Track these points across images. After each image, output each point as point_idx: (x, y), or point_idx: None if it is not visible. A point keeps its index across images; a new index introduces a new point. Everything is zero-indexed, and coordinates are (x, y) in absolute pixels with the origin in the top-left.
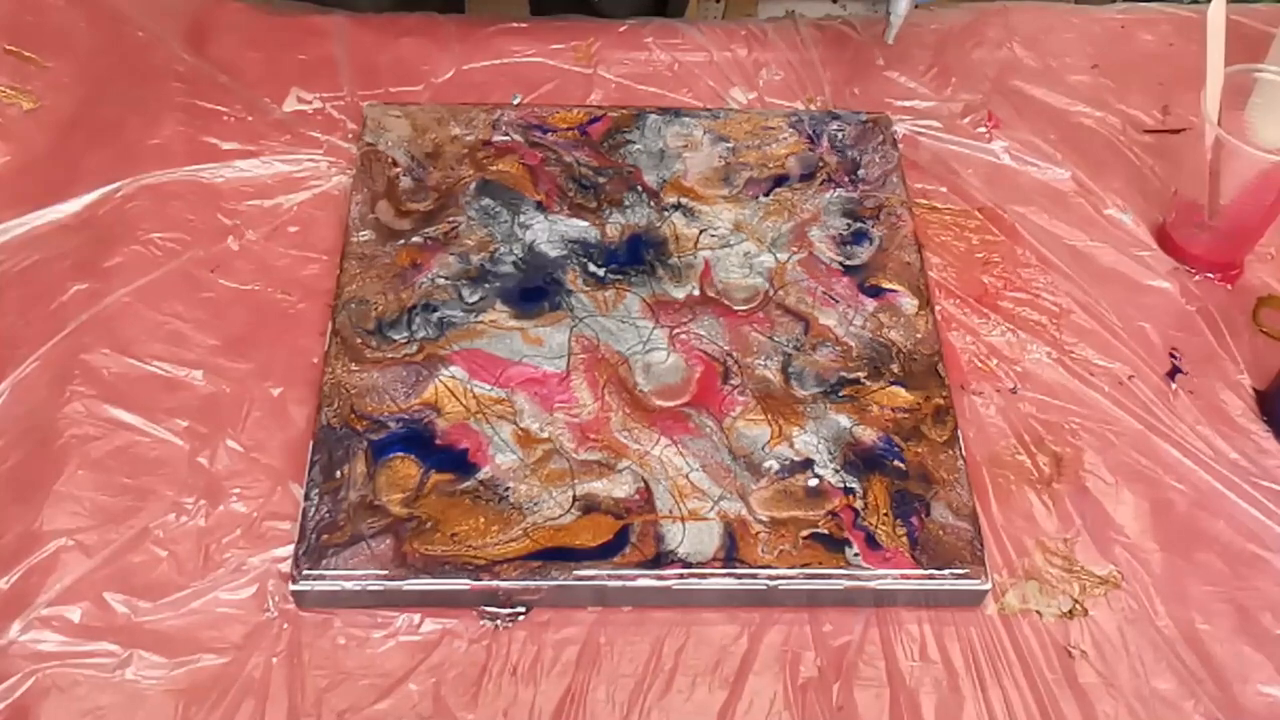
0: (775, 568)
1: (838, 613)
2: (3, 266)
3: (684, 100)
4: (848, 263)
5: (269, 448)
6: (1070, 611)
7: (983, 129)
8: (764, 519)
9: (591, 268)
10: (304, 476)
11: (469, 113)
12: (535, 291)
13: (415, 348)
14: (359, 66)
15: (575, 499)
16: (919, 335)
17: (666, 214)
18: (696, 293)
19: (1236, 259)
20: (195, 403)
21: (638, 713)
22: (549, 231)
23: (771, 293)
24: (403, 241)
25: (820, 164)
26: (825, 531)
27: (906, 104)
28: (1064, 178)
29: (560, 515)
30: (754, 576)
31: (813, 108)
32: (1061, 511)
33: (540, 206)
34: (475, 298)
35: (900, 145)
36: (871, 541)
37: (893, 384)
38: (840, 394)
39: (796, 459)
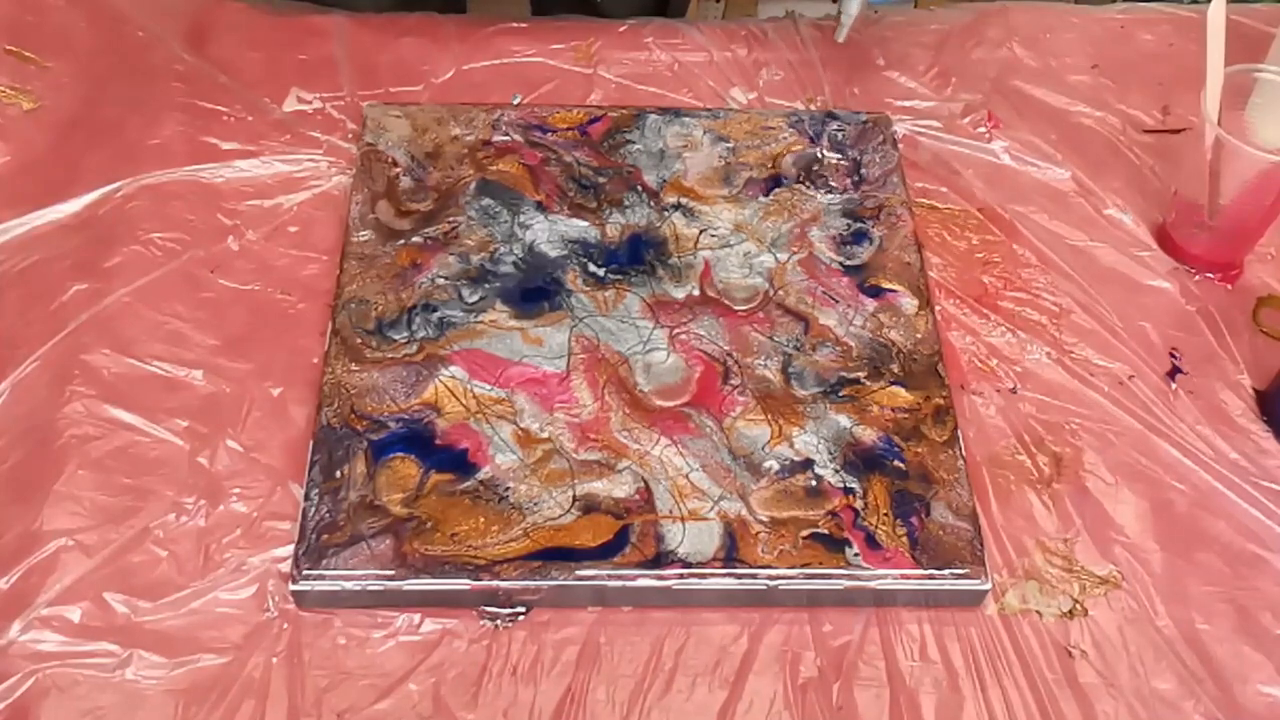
0: (775, 568)
1: (838, 613)
2: (3, 266)
3: (684, 100)
4: (848, 263)
5: (269, 448)
6: (1070, 611)
7: (983, 129)
8: (764, 519)
9: (591, 268)
10: (304, 476)
11: (469, 113)
12: (535, 291)
13: (415, 348)
14: (359, 66)
15: (575, 499)
16: (919, 335)
17: (666, 214)
18: (696, 293)
19: (1236, 259)
20: (195, 403)
21: (638, 713)
22: (549, 231)
23: (771, 293)
24: (403, 241)
25: (820, 164)
26: (825, 531)
27: (906, 104)
28: (1064, 178)
29: (560, 515)
30: (754, 576)
31: (813, 108)
32: (1061, 511)
33: (540, 206)
34: (475, 298)
35: (900, 145)
36: (871, 541)
37: (893, 384)
38: (840, 394)
39: (796, 459)
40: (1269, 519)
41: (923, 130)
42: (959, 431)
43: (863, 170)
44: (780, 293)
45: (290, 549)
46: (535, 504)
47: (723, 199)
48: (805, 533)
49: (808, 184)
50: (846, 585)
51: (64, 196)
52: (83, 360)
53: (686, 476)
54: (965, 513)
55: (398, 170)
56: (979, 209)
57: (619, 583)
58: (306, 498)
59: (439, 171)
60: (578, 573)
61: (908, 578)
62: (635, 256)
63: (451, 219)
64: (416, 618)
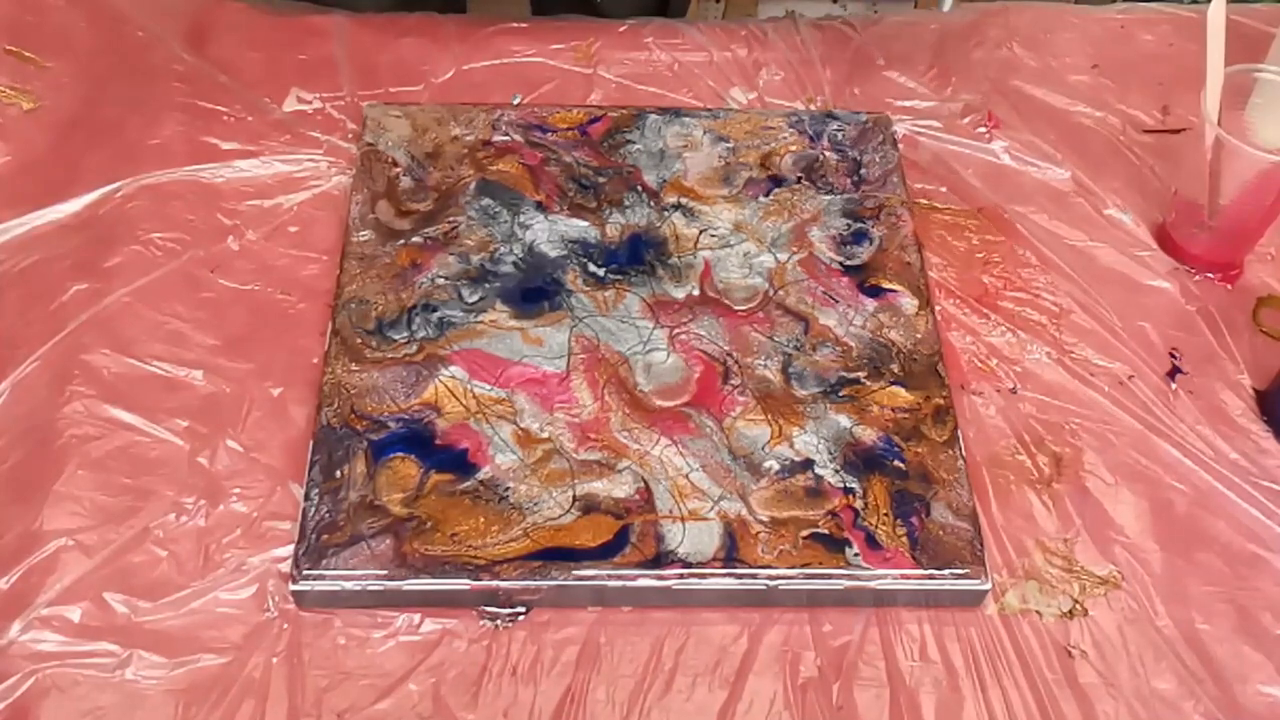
0: (775, 568)
1: (838, 613)
2: (3, 266)
3: (684, 100)
4: (848, 263)
5: (269, 448)
6: (1070, 611)
7: (983, 129)
8: (764, 519)
9: (591, 268)
10: (304, 476)
11: (469, 113)
12: (535, 291)
13: (415, 348)
14: (359, 66)
15: (575, 499)
16: (919, 335)
17: (666, 214)
18: (696, 293)
19: (1236, 259)
20: (195, 403)
21: (638, 713)
22: (549, 231)
23: (771, 293)
24: (403, 241)
25: (820, 164)
26: (825, 531)
27: (906, 104)
28: (1064, 178)
29: (560, 515)
30: (754, 576)
31: (813, 108)
32: (1061, 511)
33: (540, 206)
34: (475, 298)
35: (900, 145)
36: (871, 541)
37: (893, 384)
38: (840, 394)
39: (796, 459)
40: (1269, 519)
41: (923, 130)
42: (959, 431)
43: (863, 170)
44: (780, 293)
45: (290, 549)
46: (535, 504)
47: (723, 199)
48: (805, 533)
49: (808, 184)
50: (846, 585)
51: (64, 196)
52: (83, 360)
53: (686, 476)
54: (965, 513)
55: (398, 170)
56: (979, 209)
57: (619, 583)
58: (306, 498)
59: (439, 171)
60: (577, 573)
61: (908, 578)
62: (635, 256)
63: (451, 219)
64: (416, 618)
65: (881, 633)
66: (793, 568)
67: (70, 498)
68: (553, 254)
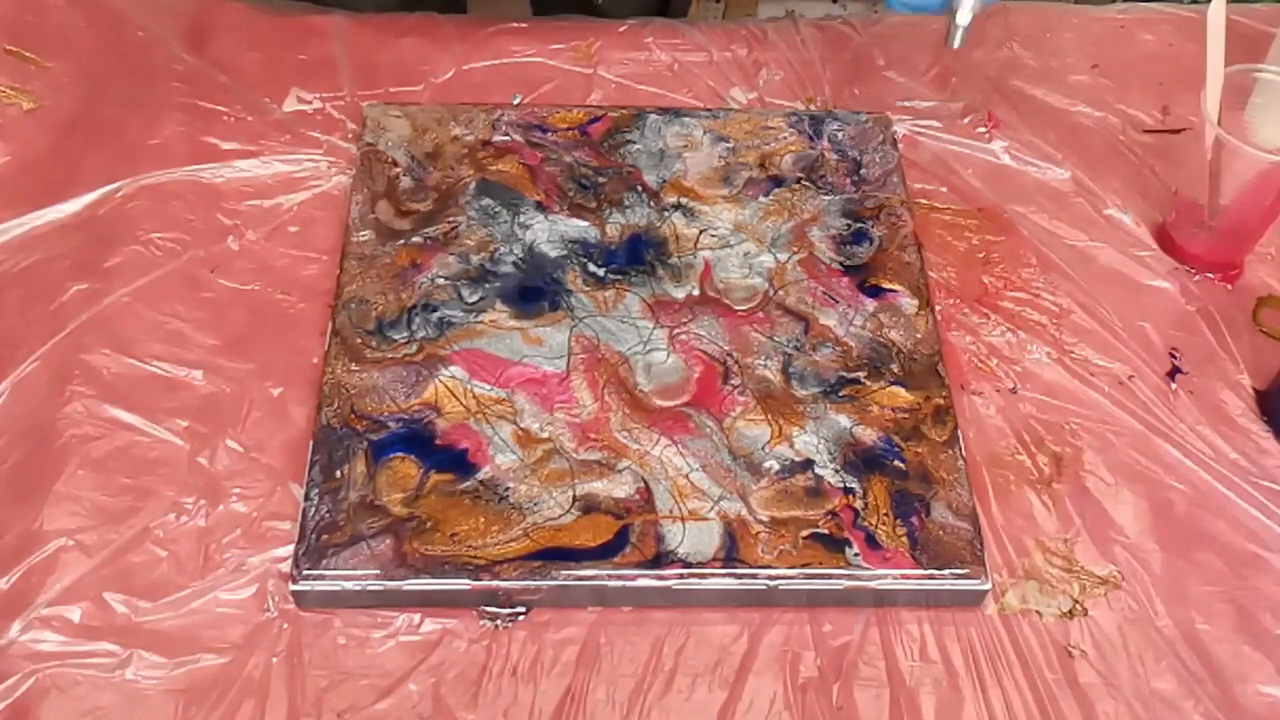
0: (775, 568)
1: (838, 613)
2: (3, 266)
3: (684, 100)
4: (848, 263)
5: (269, 448)
6: (1070, 611)
7: (983, 129)
8: (764, 519)
9: (591, 268)
10: (304, 476)
11: (469, 113)
12: (535, 291)
13: (415, 348)
14: (359, 66)
15: (575, 499)
16: (919, 335)
17: (666, 214)
18: (696, 293)
19: (1236, 259)
20: (195, 403)
21: (638, 713)
22: (549, 231)
23: (771, 293)
24: (403, 241)
25: (820, 164)
26: (825, 531)
27: (906, 104)
28: (1064, 178)
29: (560, 515)
30: (754, 576)
31: (813, 108)
32: (1061, 511)
33: (540, 206)
34: (475, 298)
35: (900, 145)
36: (871, 541)
37: (893, 384)
38: (840, 394)
39: (796, 459)
40: (1269, 519)
41: (923, 130)
42: (959, 431)
43: (863, 170)
44: (780, 293)
45: (290, 549)
46: (535, 504)
47: (723, 199)
48: (805, 533)
49: (808, 184)
50: (846, 585)
51: (64, 196)
52: (83, 360)
53: (686, 476)
54: (965, 513)
55: (398, 170)
56: (979, 209)
57: (619, 583)
58: (306, 498)
59: (439, 171)
60: (577, 573)
61: (908, 578)
62: (635, 256)
63: (451, 219)
64: (416, 618)
65: (881, 633)
66: (793, 568)
67: (70, 498)
68: (553, 254)
